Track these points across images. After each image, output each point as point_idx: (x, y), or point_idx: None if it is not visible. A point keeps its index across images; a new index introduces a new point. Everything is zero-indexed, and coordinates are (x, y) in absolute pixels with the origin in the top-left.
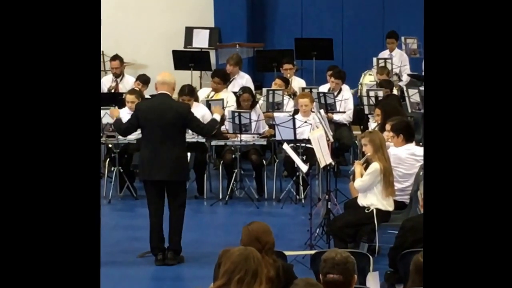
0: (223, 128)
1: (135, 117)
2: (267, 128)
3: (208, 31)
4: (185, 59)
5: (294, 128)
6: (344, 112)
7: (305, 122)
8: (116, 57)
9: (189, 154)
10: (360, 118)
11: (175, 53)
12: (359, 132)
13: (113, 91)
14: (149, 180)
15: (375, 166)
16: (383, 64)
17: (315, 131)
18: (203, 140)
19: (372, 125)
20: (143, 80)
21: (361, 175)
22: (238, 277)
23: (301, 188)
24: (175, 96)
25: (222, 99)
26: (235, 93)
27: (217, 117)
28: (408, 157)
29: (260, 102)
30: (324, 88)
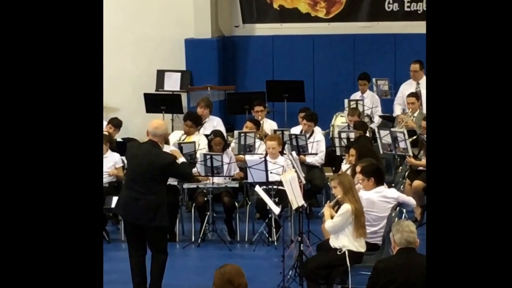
0: (194, 170)
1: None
2: (238, 170)
3: (179, 74)
4: (156, 102)
5: (266, 171)
6: (316, 154)
7: (274, 163)
8: None
9: None
10: (332, 159)
11: (147, 96)
12: (331, 174)
13: None
14: (125, 221)
15: (346, 207)
16: (354, 106)
17: (287, 173)
18: (175, 183)
19: (344, 166)
20: (115, 123)
21: (331, 217)
22: None
23: (274, 230)
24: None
25: (194, 142)
26: (206, 136)
27: (182, 159)
28: (379, 200)
29: (232, 144)
30: (296, 130)
